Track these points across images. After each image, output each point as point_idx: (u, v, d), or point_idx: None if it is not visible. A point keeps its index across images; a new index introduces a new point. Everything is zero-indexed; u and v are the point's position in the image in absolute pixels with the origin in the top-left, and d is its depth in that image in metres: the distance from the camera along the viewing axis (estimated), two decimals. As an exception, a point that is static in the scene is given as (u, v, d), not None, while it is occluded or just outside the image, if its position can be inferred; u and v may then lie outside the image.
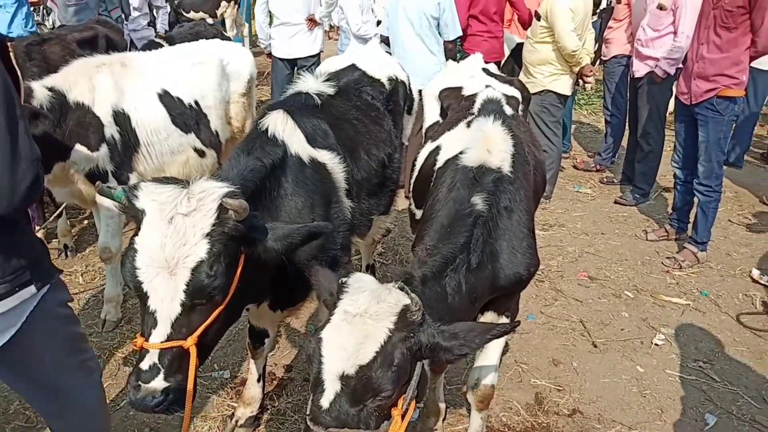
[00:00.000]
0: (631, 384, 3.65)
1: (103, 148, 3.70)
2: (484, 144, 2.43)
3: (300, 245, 2.26)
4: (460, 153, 2.48)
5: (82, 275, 4.78)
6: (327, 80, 3.22)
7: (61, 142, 3.68)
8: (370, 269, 4.47)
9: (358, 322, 1.74)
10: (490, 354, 2.66)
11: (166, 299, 1.98)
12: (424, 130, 3.43)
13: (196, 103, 4.29)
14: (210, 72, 4.46)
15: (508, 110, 2.95)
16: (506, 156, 2.44)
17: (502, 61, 6.82)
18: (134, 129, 3.85)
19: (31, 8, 7.02)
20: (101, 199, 3.85)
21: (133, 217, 2.06)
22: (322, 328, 1.80)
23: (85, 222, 5.63)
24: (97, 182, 2.10)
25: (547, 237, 5.65)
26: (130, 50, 5.70)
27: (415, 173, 3.04)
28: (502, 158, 2.42)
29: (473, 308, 2.37)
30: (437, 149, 2.82)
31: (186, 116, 4.19)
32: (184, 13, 10.79)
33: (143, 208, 2.02)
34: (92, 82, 3.77)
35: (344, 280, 1.88)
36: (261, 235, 2.16)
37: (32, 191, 1.79)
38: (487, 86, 3.13)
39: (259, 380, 3.19)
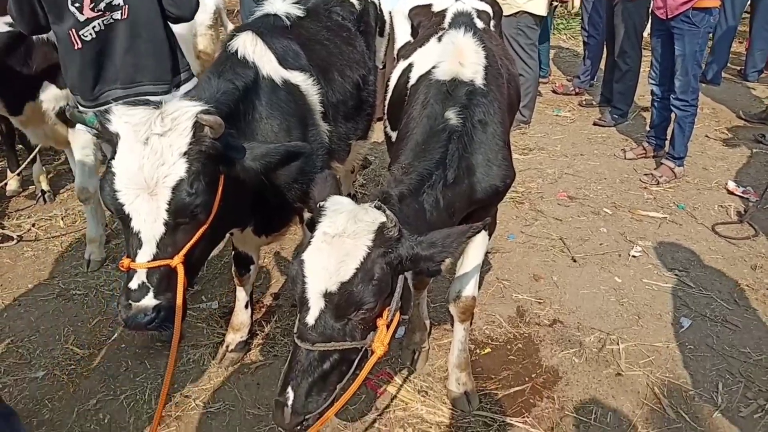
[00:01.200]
0: (609, 294, 3.77)
1: (72, 85, 3.63)
2: (456, 56, 2.40)
3: (278, 165, 2.27)
4: (433, 68, 2.45)
5: (62, 219, 4.76)
6: (295, 2, 3.13)
7: (29, 81, 3.60)
8: (352, 198, 4.49)
9: (338, 242, 1.79)
10: (470, 267, 2.72)
11: (149, 219, 2.02)
12: (395, 51, 3.37)
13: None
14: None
15: (479, 23, 2.91)
16: (479, 68, 2.42)
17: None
18: None
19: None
20: (75, 139, 3.80)
21: (108, 141, 2.07)
22: (304, 250, 1.85)
23: (61, 166, 5.56)
24: (67, 105, 2.08)
25: (526, 161, 5.69)
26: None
27: (389, 94, 3.01)
28: (474, 70, 2.40)
29: (451, 223, 2.40)
30: (410, 67, 2.78)
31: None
32: None
33: (117, 131, 2.02)
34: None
35: (322, 203, 1.92)
36: (239, 154, 2.17)
37: (198, 3, 3.13)
38: (456, 0, 3.07)
39: (246, 306, 3.25)
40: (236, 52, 2.56)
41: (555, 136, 6.28)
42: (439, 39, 2.69)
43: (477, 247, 2.71)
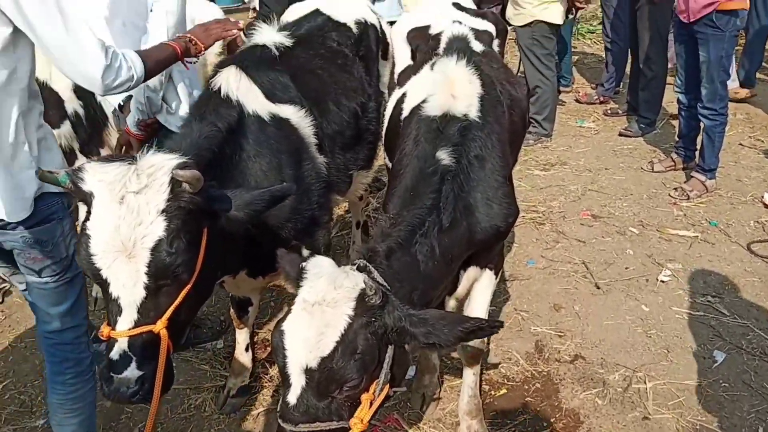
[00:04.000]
0: (635, 324, 3.52)
1: (66, 126, 3.53)
2: (448, 89, 2.24)
3: (265, 210, 2.14)
4: (424, 101, 2.29)
5: (73, 254, 4.72)
6: (287, 29, 3.00)
7: None
8: (363, 226, 4.33)
9: (317, 311, 1.66)
10: (476, 312, 2.54)
11: (128, 284, 1.90)
12: (396, 76, 3.20)
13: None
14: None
15: (477, 46, 2.72)
16: (473, 100, 2.26)
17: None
18: (99, 102, 3.67)
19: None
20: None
21: (82, 200, 1.96)
22: (284, 318, 1.73)
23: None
24: (38, 168, 1.98)
25: (548, 177, 5.45)
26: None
27: (385, 123, 2.86)
28: (468, 103, 2.23)
29: (451, 269, 2.23)
30: (403, 96, 2.62)
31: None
32: None
33: (91, 190, 1.91)
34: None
35: (304, 265, 1.79)
36: (221, 205, 2.05)
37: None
38: (454, 22, 2.89)
39: (247, 349, 3.12)
40: (219, 90, 2.44)
41: (578, 149, 6.02)
42: (432, 67, 2.52)
43: (483, 289, 2.54)
